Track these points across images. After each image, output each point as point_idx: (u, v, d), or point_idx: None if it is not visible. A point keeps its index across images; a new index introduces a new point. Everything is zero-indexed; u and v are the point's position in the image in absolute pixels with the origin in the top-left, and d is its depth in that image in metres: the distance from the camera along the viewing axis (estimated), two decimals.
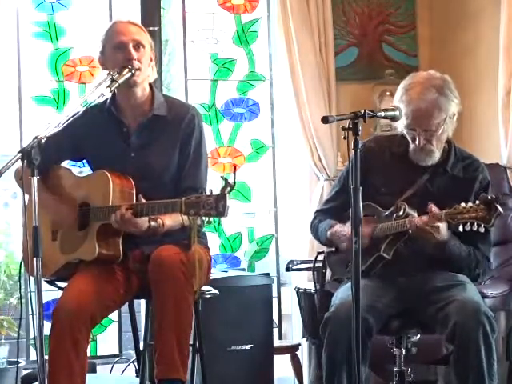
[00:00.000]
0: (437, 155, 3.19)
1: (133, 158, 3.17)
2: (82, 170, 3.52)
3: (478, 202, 2.89)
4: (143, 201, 2.95)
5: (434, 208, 2.99)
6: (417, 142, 3.14)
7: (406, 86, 3.16)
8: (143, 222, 2.94)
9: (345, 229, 3.20)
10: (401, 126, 3.15)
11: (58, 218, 3.17)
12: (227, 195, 2.66)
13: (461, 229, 2.92)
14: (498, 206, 2.84)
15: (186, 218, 2.79)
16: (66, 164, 3.38)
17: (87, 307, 2.93)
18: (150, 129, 3.18)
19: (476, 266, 3.15)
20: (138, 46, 3.12)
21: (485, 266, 3.18)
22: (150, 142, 3.18)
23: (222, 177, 2.70)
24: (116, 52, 3.11)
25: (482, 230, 2.88)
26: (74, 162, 3.58)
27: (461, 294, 3.04)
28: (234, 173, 2.71)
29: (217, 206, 2.66)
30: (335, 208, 3.35)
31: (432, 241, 3.02)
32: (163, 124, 3.19)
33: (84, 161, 3.42)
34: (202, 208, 2.69)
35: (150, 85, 3.23)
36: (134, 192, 3.06)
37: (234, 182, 2.66)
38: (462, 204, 2.91)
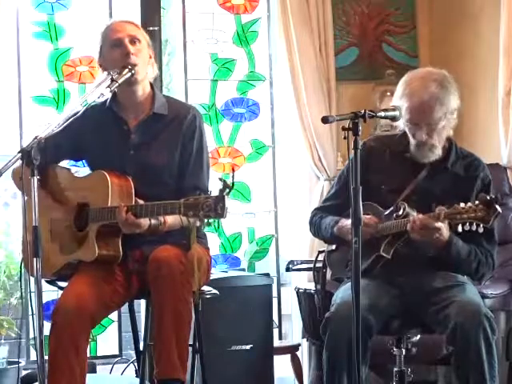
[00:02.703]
0: (438, 151, 3.18)
1: (132, 155, 3.17)
2: (78, 169, 3.51)
3: (477, 202, 2.88)
4: (141, 202, 2.95)
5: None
6: (418, 137, 3.14)
7: (407, 81, 3.17)
8: (144, 220, 2.94)
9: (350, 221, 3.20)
10: (402, 122, 3.15)
11: (56, 218, 3.16)
12: (226, 197, 2.66)
13: (460, 229, 2.92)
14: (497, 206, 2.84)
15: (184, 219, 2.79)
16: (64, 164, 3.38)
17: (87, 307, 2.93)
18: (150, 127, 3.19)
19: (478, 265, 3.14)
20: (133, 40, 3.12)
21: (489, 264, 3.17)
22: (150, 139, 3.18)
23: (220, 178, 2.70)
24: (113, 50, 3.12)
25: (481, 230, 2.88)
26: (73, 162, 3.57)
27: (461, 295, 3.04)
28: (233, 174, 2.71)
29: (215, 208, 2.66)
30: (335, 206, 3.34)
31: (435, 243, 3.01)
32: (164, 123, 3.19)
33: (83, 161, 3.42)
34: (200, 210, 2.68)
35: (151, 84, 3.23)
36: (133, 192, 3.06)
37: (233, 184, 2.65)
38: (462, 204, 2.91)
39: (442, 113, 3.11)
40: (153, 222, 2.96)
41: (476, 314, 2.94)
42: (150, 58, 3.19)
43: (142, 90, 3.18)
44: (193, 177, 3.16)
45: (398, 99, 3.13)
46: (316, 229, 3.38)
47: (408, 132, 3.18)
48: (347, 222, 3.19)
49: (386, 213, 3.15)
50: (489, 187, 3.18)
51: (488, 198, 2.86)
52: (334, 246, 3.36)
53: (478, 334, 2.91)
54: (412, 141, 3.19)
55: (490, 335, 2.93)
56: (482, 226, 2.87)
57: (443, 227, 2.97)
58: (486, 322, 2.93)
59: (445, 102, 3.12)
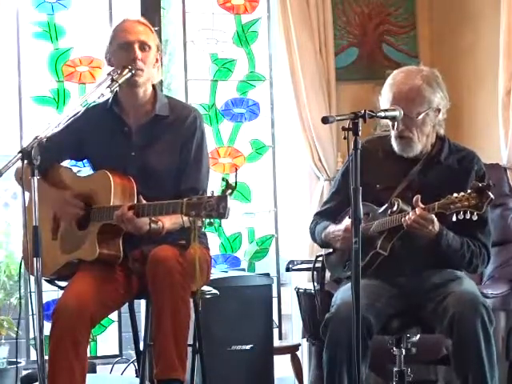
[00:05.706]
0: (417, 146, 3.19)
1: (133, 157, 3.17)
2: (81, 169, 3.52)
3: (469, 190, 2.90)
4: (143, 202, 2.95)
5: (419, 202, 3.00)
6: (396, 128, 3.16)
7: (394, 74, 3.22)
8: (144, 223, 2.95)
9: (337, 228, 3.22)
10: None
11: (63, 210, 3.16)
12: (228, 197, 2.66)
13: (454, 218, 2.93)
14: (489, 192, 2.85)
15: (186, 219, 2.79)
16: (66, 163, 3.39)
17: (87, 307, 2.94)
18: (152, 128, 3.19)
19: (471, 257, 3.15)
20: (143, 46, 3.13)
21: (483, 255, 3.18)
22: (151, 141, 3.18)
23: (223, 178, 2.71)
24: (121, 51, 3.13)
25: (475, 217, 2.89)
26: (74, 162, 3.58)
27: (458, 286, 3.07)
28: (235, 174, 2.72)
29: (218, 208, 2.67)
30: (331, 209, 3.37)
31: (428, 235, 3.02)
32: (165, 124, 3.19)
33: (85, 160, 3.43)
34: (203, 209, 2.69)
35: (153, 85, 3.24)
36: (135, 192, 3.07)
37: (235, 184, 2.66)
38: (455, 194, 2.92)
39: (422, 107, 3.13)
40: (152, 226, 2.96)
41: (473, 303, 2.96)
42: (157, 61, 3.19)
43: (144, 92, 3.18)
44: (191, 179, 3.16)
45: (383, 90, 3.18)
46: (312, 236, 3.44)
47: (389, 123, 3.20)
48: (333, 229, 3.25)
49: (381, 210, 3.17)
50: (483, 179, 3.19)
51: (480, 185, 2.88)
52: (331, 249, 3.37)
53: (475, 322, 2.92)
54: (392, 133, 3.21)
55: (488, 324, 2.95)
56: (475, 213, 2.88)
57: (435, 219, 2.99)
58: (484, 311, 2.95)
59: (427, 96, 3.14)
